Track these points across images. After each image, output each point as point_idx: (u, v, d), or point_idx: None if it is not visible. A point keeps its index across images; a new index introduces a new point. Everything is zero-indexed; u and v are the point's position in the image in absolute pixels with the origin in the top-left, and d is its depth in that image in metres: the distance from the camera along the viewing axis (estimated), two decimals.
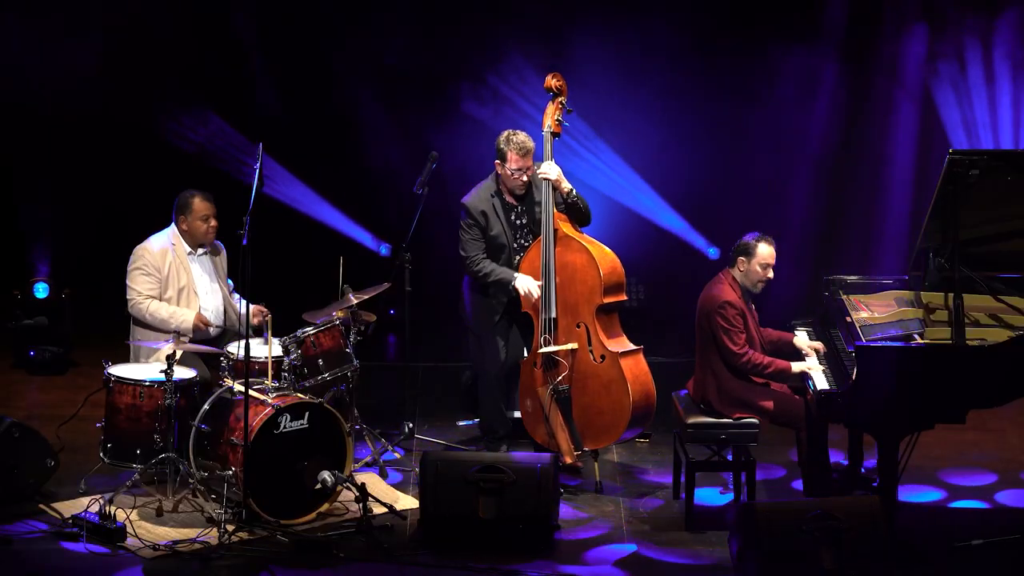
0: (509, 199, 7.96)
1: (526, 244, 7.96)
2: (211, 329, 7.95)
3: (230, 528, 7.04)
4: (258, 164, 7.15)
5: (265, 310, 7.82)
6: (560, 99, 7.87)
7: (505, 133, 7.88)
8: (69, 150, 10.91)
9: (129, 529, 7.02)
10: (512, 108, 10.77)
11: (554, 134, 7.86)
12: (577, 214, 7.88)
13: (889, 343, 6.93)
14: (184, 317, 7.84)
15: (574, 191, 7.84)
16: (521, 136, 7.84)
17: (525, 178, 7.88)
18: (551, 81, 7.88)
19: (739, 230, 7.60)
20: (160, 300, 7.89)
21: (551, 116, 7.86)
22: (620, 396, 7.65)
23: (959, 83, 10.74)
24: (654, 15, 10.89)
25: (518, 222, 7.97)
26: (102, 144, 10.89)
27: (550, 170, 7.80)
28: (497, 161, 7.89)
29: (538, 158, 7.88)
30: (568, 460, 7.76)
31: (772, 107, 11.01)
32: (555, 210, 7.79)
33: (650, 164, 11.11)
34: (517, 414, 8.11)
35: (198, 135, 10.97)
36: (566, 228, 7.81)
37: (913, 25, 10.85)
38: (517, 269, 7.89)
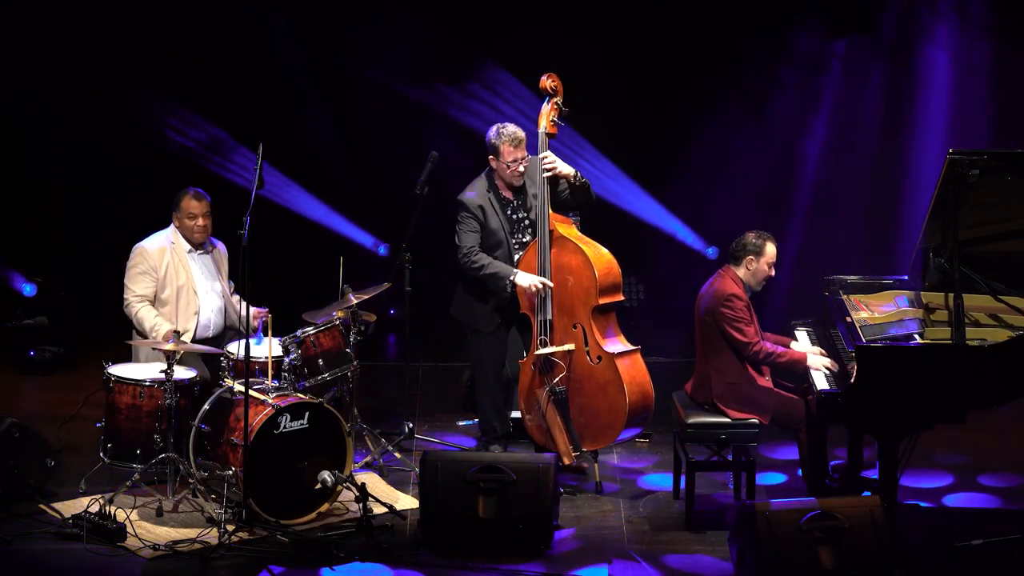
0: (505, 194, 7.94)
1: (524, 240, 7.94)
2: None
3: (230, 528, 7.04)
4: (258, 163, 7.14)
5: (266, 311, 7.81)
6: (556, 100, 7.85)
7: (494, 127, 7.85)
8: (69, 149, 10.93)
9: (129, 529, 7.02)
10: (511, 109, 10.77)
11: (549, 135, 7.83)
12: (585, 195, 7.85)
13: (889, 343, 6.93)
14: (159, 332, 7.76)
15: (578, 173, 7.82)
16: (511, 127, 7.82)
17: (522, 168, 7.86)
18: (546, 82, 7.84)
19: (736, 229, 7.60)
20: (155, 301, 7.89)
21: (546, 117, 7.83)
22: (616, 397, 7.63)
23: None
24: (649, 11, 10.89)
25: (514, 216, 7.95)
26: (102, 143, 10.90)
27: (556, 161, 7.76)
28: (491, 156, 7.87)
29: (532, 155, 7.88)
30: (567, 461, 7.75)
31: (771, 107, 11.02)
32: (550, 211, 7.78)
33: (646, 163, 11.11)
34: (516, 414, 8.10)
35: (196, 137, 10.96)
36: (562, 229, 7.79)
37: (917, 21, 10.87)
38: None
